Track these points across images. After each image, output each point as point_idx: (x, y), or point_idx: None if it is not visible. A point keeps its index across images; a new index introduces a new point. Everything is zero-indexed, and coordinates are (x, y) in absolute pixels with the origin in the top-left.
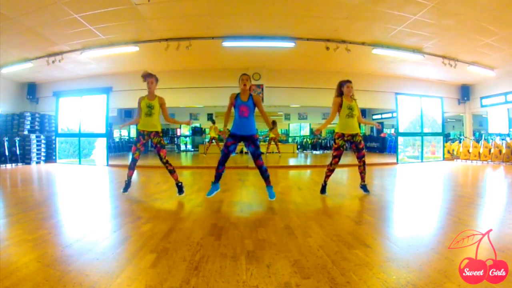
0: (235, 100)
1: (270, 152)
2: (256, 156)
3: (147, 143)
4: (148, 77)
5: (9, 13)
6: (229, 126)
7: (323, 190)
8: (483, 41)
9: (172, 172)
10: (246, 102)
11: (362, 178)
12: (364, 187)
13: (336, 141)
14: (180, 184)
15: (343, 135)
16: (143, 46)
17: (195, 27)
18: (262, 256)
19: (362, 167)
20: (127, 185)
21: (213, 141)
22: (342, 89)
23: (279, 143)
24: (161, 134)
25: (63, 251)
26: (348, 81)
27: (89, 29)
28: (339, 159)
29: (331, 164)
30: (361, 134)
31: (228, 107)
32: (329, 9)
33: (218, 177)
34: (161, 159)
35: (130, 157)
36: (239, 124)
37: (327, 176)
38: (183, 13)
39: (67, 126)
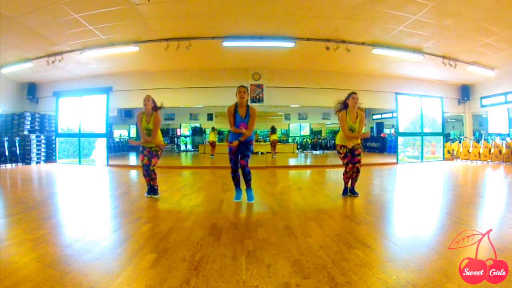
0: (234, 114)
1: (277, 152)
2: (243, 155)
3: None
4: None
5: (9, 13)
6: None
7: (345, 192)
8: (483, 41)
9: (153, 179)
10: (244, 120)
11: (352, 184)
12: (352, 190)
13: (340, 150)
14: (156, 187)
15: (344, 145)
16: (143, 46)
17: (195, 27)
18: (262, 256)
19: (355, 174)
20: (149, 189)
21: (212, 145)
22: (348, 101)
23: (277, 144)
24: (161, 146)
25: (63, 251)
26: (353, 93)
27: (89, 29)
28: (351, 163)
29: (346, 172)
30: (360, 144)
31: (230, 120)
32: (329, 9)
33: (237, 183)
34: (149, 164)
35: (141, 164)
36: (237, 134)
37: (346, 182)
38: (183, 13)
39: (67, 126)
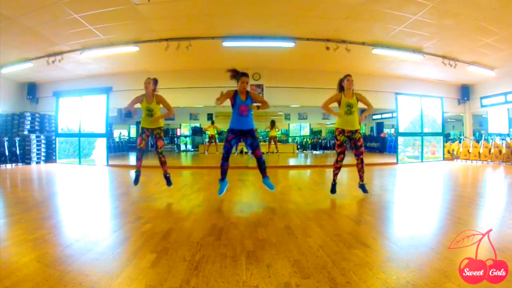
0: (234, 98)
1: (270, 152)
2: (255, 146)
3: (151, 134)
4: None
5: (9, 13)
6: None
7: (333, 189)
8: (483, 41)
9: (163, 163)
10: (245, 102)
11: (361, 178)
12: (362, 187)
13: (338, 137)
14: (168, 175)
15: (343, 130)
16: (143, 46)
17: (195, 27)
18: (262, 256)
19: (360, 165)
20: (137, 176)
21: (212, 141)
22: (342, 84)
23: (278, 143)
24: (162, 128)
25: (63, 251)
26: (348, 75)
27: (89, 29)
28: (344, 155)
29: (337, 161)
30: (361, 132)
31: (225, 95)
32: (329, 9)
33: (223, 173)
34: (156, 148)
35: (138, 148)
36: (238, 121)
37: (335, 174)
38: (183, 13)
39: (67, 126)
